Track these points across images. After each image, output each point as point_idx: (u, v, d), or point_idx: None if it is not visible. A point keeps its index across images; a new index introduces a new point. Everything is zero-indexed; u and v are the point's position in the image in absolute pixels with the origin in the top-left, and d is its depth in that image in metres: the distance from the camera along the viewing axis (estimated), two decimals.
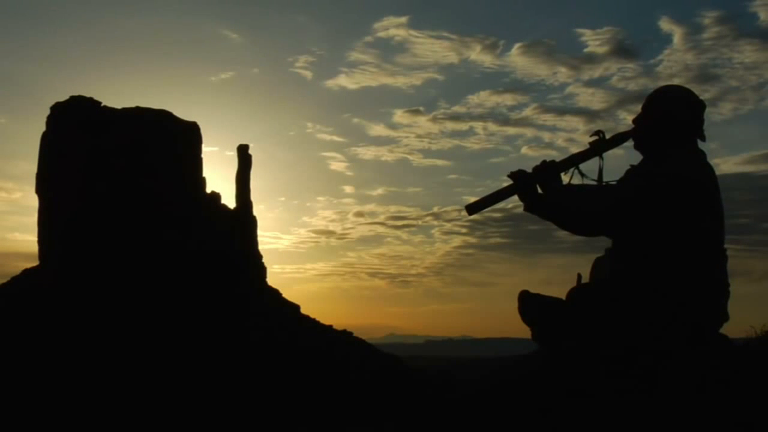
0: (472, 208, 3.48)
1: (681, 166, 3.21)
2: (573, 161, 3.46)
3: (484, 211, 3.55)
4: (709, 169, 3.29)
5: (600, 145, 3.45)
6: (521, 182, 3.40)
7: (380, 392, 45.29)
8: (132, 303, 54.39)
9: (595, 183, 3.44)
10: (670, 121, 3.32)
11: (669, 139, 3.32)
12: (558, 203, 3.34)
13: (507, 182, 3.45)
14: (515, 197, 3.45)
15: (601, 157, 3.45)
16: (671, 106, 3.34)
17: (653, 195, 3.17)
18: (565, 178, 3.45)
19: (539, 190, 3.42)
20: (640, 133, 3.41)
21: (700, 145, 3.37)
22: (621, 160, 3.67)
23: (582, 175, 3.46)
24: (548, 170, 3.42)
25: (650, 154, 3.38)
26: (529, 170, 3.44)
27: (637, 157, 3.46)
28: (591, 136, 3.48)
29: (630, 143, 3.45)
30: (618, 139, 3.46)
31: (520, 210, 3.44)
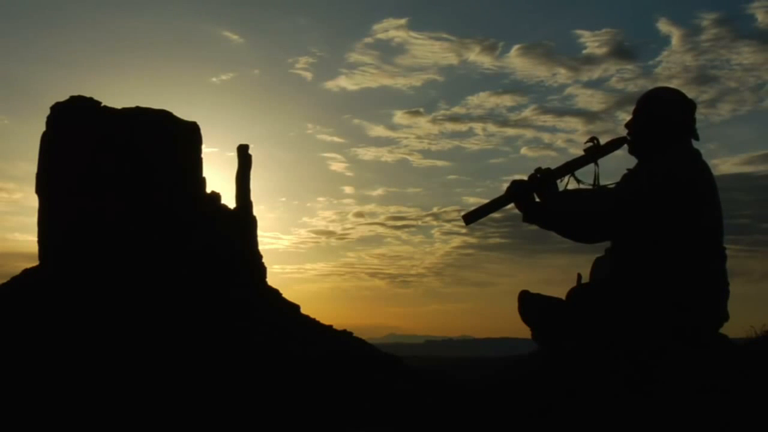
0: (468, 218, 3.47)
1: (675, 165, 3.22)
2: (568, 168, 3.46)
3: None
4: (704, 167, 3.30)
5: (595, 152, 3.46)
6: (518, 191, 3.40)
7: (380, 392, 45.27)
8: (132, 303, 54.39)
9: (591, 188, 3.44)
10: (663, 122, 3.33)
11: (663, 141, 3.33)
12: (557, 210, 3.33)
13: (506, 184, 3.45)
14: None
15: (597, 164, 3.45)
16: (662, 108, 3.34)
17: (649, 195, 3.17)
18: (561, 186, 3.45)
19: (536, 199, 3.42)
20: (634, 138, 3.41)
21: (696, 144, 3.38)
22: (619, 162, 3.68)
23: (578, 181, 3.46)
24: (544, 178, 3.42)
25: (645, 156, 3.39)
26: (528, 174, 3.44)
27: (633, 161, 3.47)
28: (585, 142, 3.49)
29: (625, 149, 3.46)
30: (612, 145, 3.46)
31: (518, 210, 3.44)
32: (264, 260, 67.81)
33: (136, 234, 58.81)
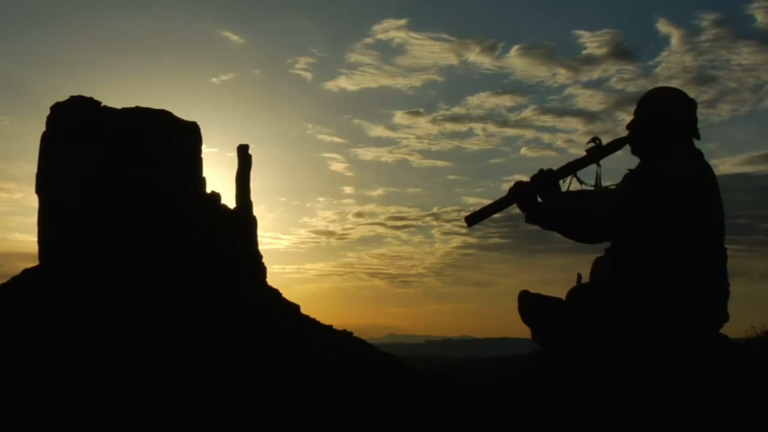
0: (471, 219, 3.46)
1: (677, 166, 3.22)
2: (570, 169, 3.46)
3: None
4: (707, 167, 3.29)
5: (597, 152, 3.45)
6: (520, 192, 3.40)
7: (380, 392, 45.24)
8: (132, 303, 54.38)
9: (593, 189, 3.44)
10: (664, 122, 3.33)
11: (664, 141, 3.33)
12: (560, 210, 3.33)
13: (506, 184, 3.46)
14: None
15: (599, 164, 3.45)
16: (663, 107, 3.34)
17: (651, 195, 3.17)
18: (563, 186, 3.45)
19: (539, 200, 3.42)
20: (635, 138, 3.41)
21: (696, 143, 3.38)
22: (621, 162, 3.68)
23: (580, 182, 3.45)
24: (546, 179, 3.41)
25: (647, 157, 3.38)
26: (529, 175, 3.44)
27: (634, 161, 3.47)
28: (587, 143, 3.49)
29: (628, 149, 3.46)
30: (614, 146, 3.46)
31: (520, 211, 3.44)
32: (264, 260, 67.76)
33: (136, 234, 58.78)
